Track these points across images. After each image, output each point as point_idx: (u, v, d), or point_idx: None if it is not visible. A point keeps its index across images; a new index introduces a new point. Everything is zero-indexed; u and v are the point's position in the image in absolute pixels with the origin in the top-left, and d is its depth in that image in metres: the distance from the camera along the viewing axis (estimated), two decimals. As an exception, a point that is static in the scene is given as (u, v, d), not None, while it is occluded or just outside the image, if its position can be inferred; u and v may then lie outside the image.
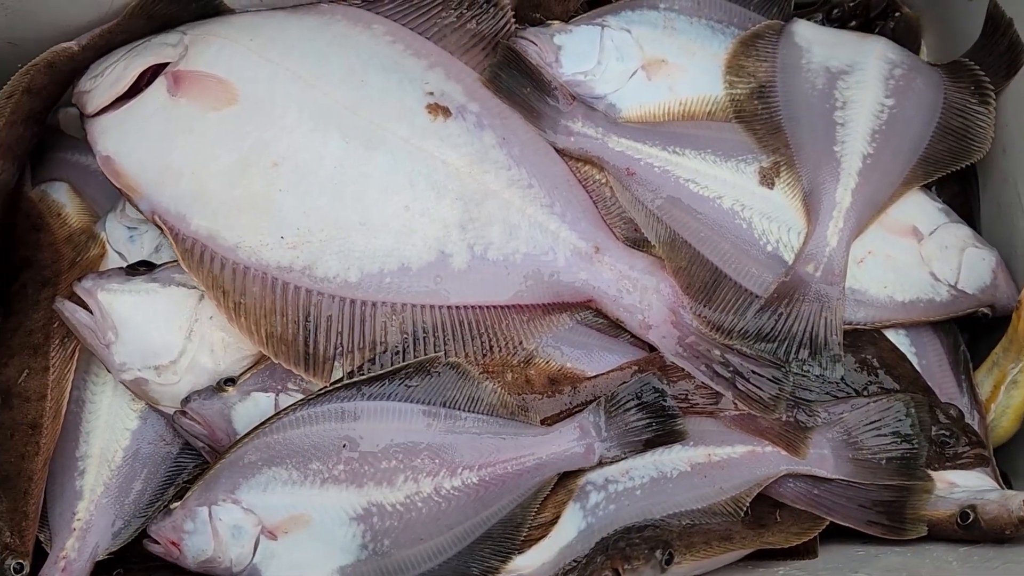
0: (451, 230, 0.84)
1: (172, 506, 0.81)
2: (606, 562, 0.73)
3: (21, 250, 0.95)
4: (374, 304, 0.83)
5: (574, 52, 0.91)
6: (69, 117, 1.04)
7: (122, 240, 0.92)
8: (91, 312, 0.84)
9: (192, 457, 0.89)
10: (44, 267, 0.93)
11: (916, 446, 0.83)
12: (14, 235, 0.95)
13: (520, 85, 0.90)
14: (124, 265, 0.90)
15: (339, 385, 0.80)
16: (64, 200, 0.97)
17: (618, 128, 0.90)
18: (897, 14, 1.07)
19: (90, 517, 0.86)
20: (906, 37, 1.05)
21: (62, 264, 0.93)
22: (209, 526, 0.79)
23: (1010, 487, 0.94)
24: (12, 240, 0.95)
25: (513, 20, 0.92)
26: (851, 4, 1.06)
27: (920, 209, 0.94)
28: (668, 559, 0.74)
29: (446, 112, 0.87)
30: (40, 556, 0.85)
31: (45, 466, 0.85)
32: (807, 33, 0.97)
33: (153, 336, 0.84)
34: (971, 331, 0.98)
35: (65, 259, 0.93)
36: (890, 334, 0.92)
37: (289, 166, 0.83)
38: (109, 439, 0.88)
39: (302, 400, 0.81)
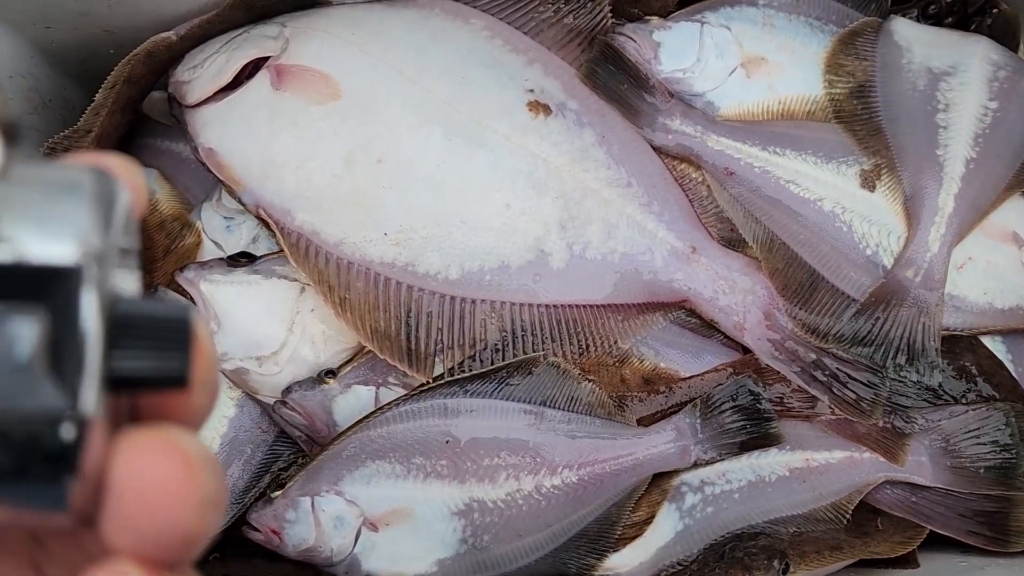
0: (551, 229, 0.85)
1: (273, 495, 0.83)
2: (729, 571, 0.74)
3: (114, 236, 0.96)
4: (473, 301, 0.84)
5: (673, 49, 0.90)
6: (153, 102, 1.05)
7: (219, 230, 0.93)
8: (193, 302, 0.85)
9: (287, 445, 0.90)
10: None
11: (1015, 456, 0.83)
12: (107, 221, 0.96)
13: (618, 82, 0.89)
14: (219, 255, 0.91)
15: (441, 382, 0.81)
16: (154, 187, 0.98)
17: (717, 127, 0.89)
18: (995, 11, 1.04)
19: (190, 503, 0.87)
20: (1004, 35, 1.03)
21: (156, 251, 0.94)
22: (311, 516, 0.80)
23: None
24: (105, 226, 0.96)
25: (610, 15, 0.92)
26: (948, 0, 1.04)
27: (1020, 215, 0.93)
28: (785, 569, 0.74)
29: (546, 109, 0.87)
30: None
31: (148, 452, 0.86)
32: (907, 32, 0.95)
33: (255, 327, 0.85)
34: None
35: (159, 246, 0.94)
36: (986, 340, 0.91)
37: (392, 162, 0.83)
38: (207, 426, 0.89)
39: (404, 395, 0.82)
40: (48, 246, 0.23)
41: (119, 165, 0.28)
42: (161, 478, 0.24)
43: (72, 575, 0.27)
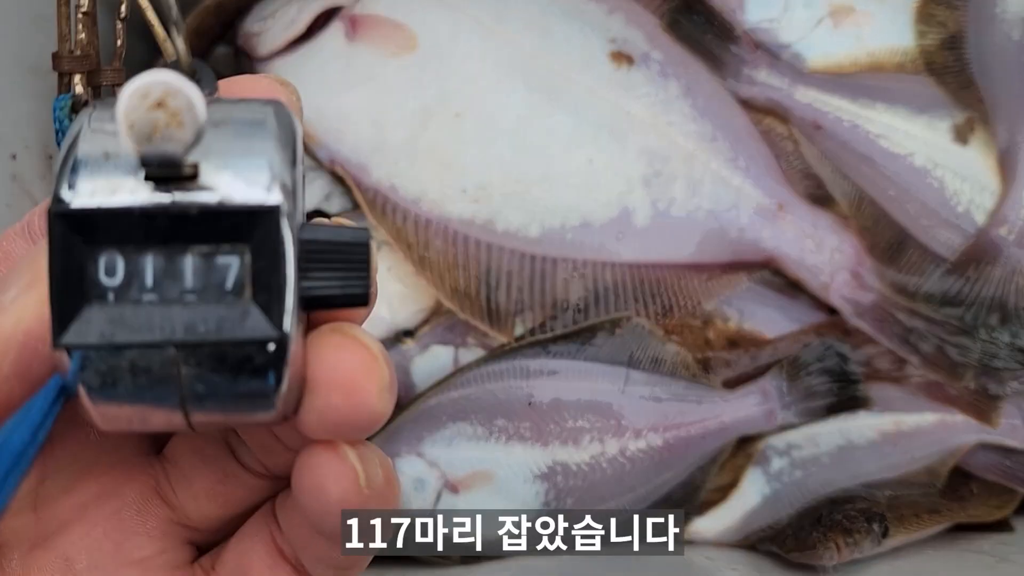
0: (635, 185, 0.82)
1: (351, 456, 0.82)
2: (827, 534, 0.72)
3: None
4: (555, 260, 0.82)
5: (759, -2, 0.87)
6: (217, 58, 1.03)
7: (289, 186, 0.91)
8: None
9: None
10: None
11: (1113, 420, 0.81)
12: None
13: (701, 32, 0.86)
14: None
15: (524, 343, 0.79)
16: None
17: (805, 78, 0.86)
18: (1089, -43, 1.00)
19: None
20: (1098, -18, 0.98)
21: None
22: (391, 478, 0.79)
23: None
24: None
25: (692, -38, 0.88)
26: (1040, -55, 0.99)
27: (1119, 170, 0.89)
28: (884, 532, 0.73)
29: (630, 60, 0.84)
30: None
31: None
32: (1000, -21, 0.91)
33: (331, 287, 0.83)
34: None
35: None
36: (1080, 301, 0.88)
37: (471, 117, 0.81)
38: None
39: (485, 356, 0.80)
40: (246, 190, 0.26)
41: (282, 89, 0.31)
42: (351, 368, 0.28)
43: (263, 455, 0.32)
